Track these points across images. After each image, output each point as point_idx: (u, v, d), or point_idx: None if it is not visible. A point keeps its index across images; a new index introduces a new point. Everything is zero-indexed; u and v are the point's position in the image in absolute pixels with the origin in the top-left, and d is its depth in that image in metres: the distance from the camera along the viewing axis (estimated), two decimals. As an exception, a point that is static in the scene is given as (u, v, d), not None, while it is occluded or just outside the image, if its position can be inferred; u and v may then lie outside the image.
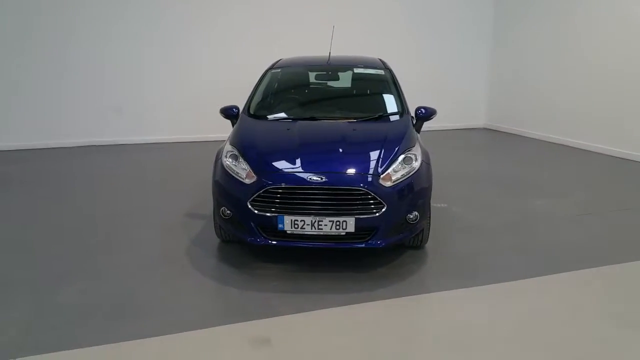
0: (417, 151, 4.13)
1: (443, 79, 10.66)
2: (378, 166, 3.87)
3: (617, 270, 4.10)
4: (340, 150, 4.03)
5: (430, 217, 4.29)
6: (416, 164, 4.01)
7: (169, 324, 3.24)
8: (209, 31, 9.07)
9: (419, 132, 4.93)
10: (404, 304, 3.58)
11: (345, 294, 3.67)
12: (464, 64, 10.82)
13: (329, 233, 3.73)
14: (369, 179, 3.78)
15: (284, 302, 3.54)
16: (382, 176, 3.81)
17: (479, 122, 11.23)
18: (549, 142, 9.41)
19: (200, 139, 9.14)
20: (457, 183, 6.63)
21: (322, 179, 3.72)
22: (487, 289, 3.79)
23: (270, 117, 4.78)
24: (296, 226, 3.72)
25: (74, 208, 5.55)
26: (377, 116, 4.61)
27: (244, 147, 4.13)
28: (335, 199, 3.71)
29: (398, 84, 5.12)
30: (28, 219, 5.23)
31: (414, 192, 3.94)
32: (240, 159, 4.01)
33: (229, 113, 4.90)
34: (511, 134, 10.43)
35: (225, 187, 3.98)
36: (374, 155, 3.98)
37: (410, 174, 3.93)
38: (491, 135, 10.54)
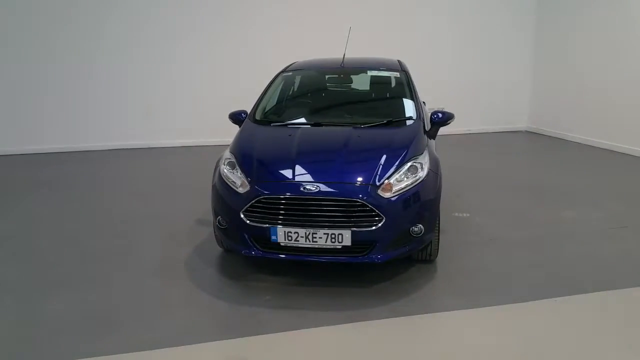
0: (423, 159, 3.85)
1: (482, 79, 10.18)
2: (378, 176, 3.62)
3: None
4: (340, 158, 3.81)
5: (439, 229, 4.01)
6: (421, 174, 3.74)
7: (149, 339, 3.13)
8: (242, 33, 9.04)
9: (434, 138, 4.65)
10: (401, 324, 3.33)
11: (341, 312, 3.45)
12: (504, 62, 10.27)
13: (324, 246, 3.53)
14: (367, 189, 3.54)
15: (274, 319, 3.37)
16: (381, 186, 3.57)
17: (521, 124, 10.66)
18: (596, 147, 8.76)
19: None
20: (487, 190, 6.27)
21: (316, 189, 3.52)
22: (496, 310, 3.48)
23: (273, 123, 4.60)
24: (290, 238, 3.54)
25: (88, 212, 5.58)
26: (385, 122, 4.34)
27: (241, 154, 3.99)
28: (330, 210, 3.50)
29: (413, 86, 4.84)
30: (40, 222, 5.28)
31: (418, 203, 3.67)
32: (237, 167, 3.87)
33: (237, 118, 4.79)
34: (555, 137, 9.82)
35: (222, 196, 3.85)
36: (374, 164, 3.73)
37: (415, 184, 3.66)
38: (533, 139, 9.98)
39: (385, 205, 3.51)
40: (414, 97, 4.69)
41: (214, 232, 4.24)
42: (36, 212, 5.61)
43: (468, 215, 5.34)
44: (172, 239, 4.72)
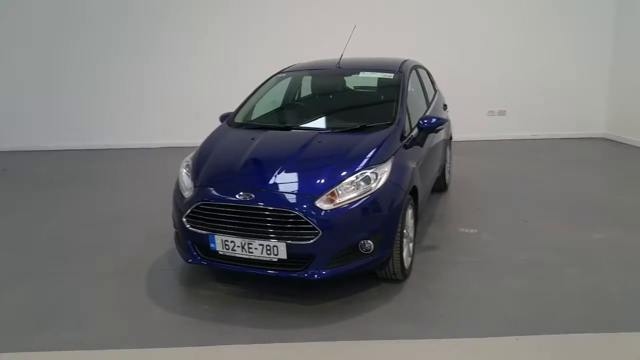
0: (381, 170, 3.47)
1: (551, 78, 9.15)
2: (319, 185, 3.34)
3: (621, 339, 3.05)
4: (286, 165, 3.55)
5: (401, 246, 3.59)
6: (374, 185, 3.38)
7: (65, 340, 3.14)
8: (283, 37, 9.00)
9: (421, 146, 4.24)
10: (319, 349, 3.04)
11: (269, 329, 3.23)
12: (577, 58, 9.15)
13: (260, 258, 3.33)
14: (303, 200, 3.27)
15: (195, 331, 3.23)
16: (321, 197, 3.28)
17: (598, 130, 9.48)
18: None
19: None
20: (520, 204, 5.56)
21: (250, 197, 3.32)
22: (438, 344, 3.05)
23: (244, 126, 4.40)
24: (227, 247, 3.38)
25: (92, 208, 5.75)
26: (358, 127, 3.99)
27: (197, 158, 3.89)
28: (264, 220, 3.28)
29: (404, 89, 4.36)
30: (40, 216, 5.53)
31: (367, 217, 3.34)
32: (190, 171, 3.78)
33: (227, 120, 4.71)
34: (634, 146, 8.61)
35: (175, 200, 3.77)
36: (319, 172, 3.46)
37: (364, 195, 3.33)
38: (607, 147, 8.82)
39: (323, 218, 3.22)
40: (400, 100, 4.25)
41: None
42: (50, 206, 5.88)
43: (475, 231, 4.81)
44: (155, 239, 4.66)
